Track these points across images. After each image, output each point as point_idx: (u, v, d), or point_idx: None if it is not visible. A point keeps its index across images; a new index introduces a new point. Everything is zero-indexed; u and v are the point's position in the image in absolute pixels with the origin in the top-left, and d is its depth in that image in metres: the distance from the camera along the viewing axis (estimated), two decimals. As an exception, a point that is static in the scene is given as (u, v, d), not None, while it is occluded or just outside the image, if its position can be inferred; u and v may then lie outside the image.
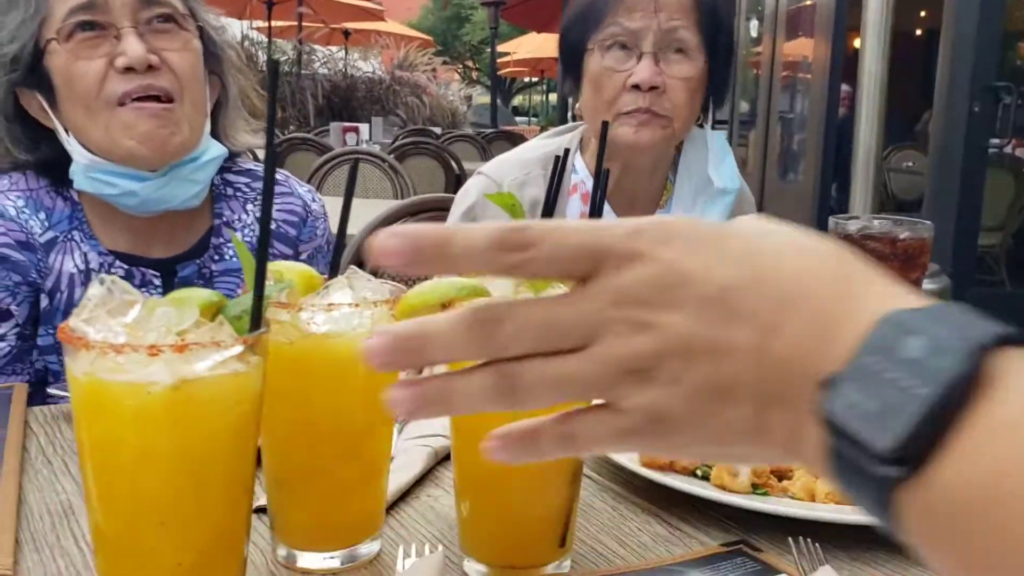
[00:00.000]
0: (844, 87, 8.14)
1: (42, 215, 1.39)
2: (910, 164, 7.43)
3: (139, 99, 1.31)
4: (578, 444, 0.49)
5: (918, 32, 10.26)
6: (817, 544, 0.79)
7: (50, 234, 1.39)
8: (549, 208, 0.85)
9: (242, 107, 1.54)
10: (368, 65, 14.52)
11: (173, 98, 1.34)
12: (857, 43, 8.46)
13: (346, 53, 14.41)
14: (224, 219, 1.51)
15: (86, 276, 1.39)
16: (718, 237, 0.46)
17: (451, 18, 29.78)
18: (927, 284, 3.32)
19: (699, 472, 0.97)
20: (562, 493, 0.79)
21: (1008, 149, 5.89)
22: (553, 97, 26.19)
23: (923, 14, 10.00)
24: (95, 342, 0.62)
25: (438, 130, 9.76)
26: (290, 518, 0.82)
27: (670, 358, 0.44)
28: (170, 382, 0.62)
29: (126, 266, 1.42)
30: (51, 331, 1.40)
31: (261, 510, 0.86)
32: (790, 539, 0.80)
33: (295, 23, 12.99)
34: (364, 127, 8.21)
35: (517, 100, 32.57)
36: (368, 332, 0.78)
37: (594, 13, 1.69)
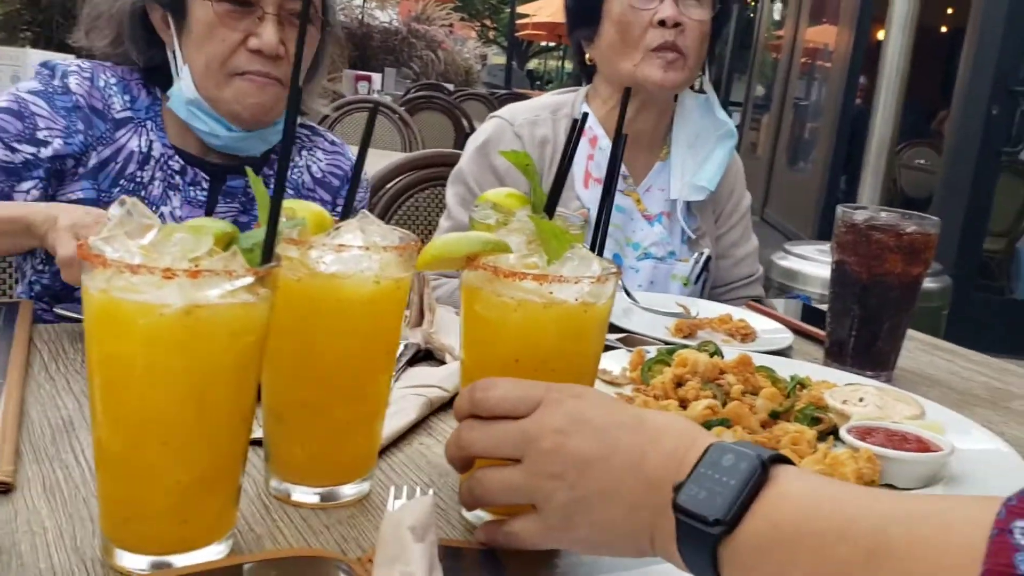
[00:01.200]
0: (864, 78, 8.09)
1: (127, 97, 1.55)
2: (922, 162, 7.41)
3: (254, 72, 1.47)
4: (517, 541, 0.73)
5: (942, 29, 10.18)
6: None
7: (127, 113, 1.54)
8: (566, 165, 0.86)
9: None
10: (385, 15, 14.39)
11: (285, 84, 1.50)
12: (879, 35, 8.38)
13: (364, 1, 14.27)
14: (276, 155, 1.64)
15: (145, 159, 1.54)
16: (611, 401, 0.73)
17: (473, -26, 29.43)
18: (929, 283, 3.35)
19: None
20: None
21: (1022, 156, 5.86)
22: (569, 64, 26.01)
23: (949, 11, 9.91)
24: (112, 261, 0.64)
25: (451, 87, 9.70)
26: (285, 452, 0.84)
27: (572, 468, 0.67)
28: (181, 305, 0.64)
29: (182, 162, 1.56)
30: (86, 188, 1.50)
31: (256, 443, 0.88)
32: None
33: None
34: (377, 77, 8.16)
35: (532, 64, 32.30)
36: (376, 276, 0.79)
37: None
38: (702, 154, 1.92)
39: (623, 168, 1.89)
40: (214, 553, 0.72)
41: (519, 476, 0.70)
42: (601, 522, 0.66)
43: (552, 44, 28.23)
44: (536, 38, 25.86)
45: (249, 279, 0.66)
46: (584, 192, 1.86)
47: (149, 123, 1.55)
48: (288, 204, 0.82)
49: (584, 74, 1.99)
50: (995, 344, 2.36)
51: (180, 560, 0.70)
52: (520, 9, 18.92)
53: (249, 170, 0.81)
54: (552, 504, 0.68)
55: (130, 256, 0.65)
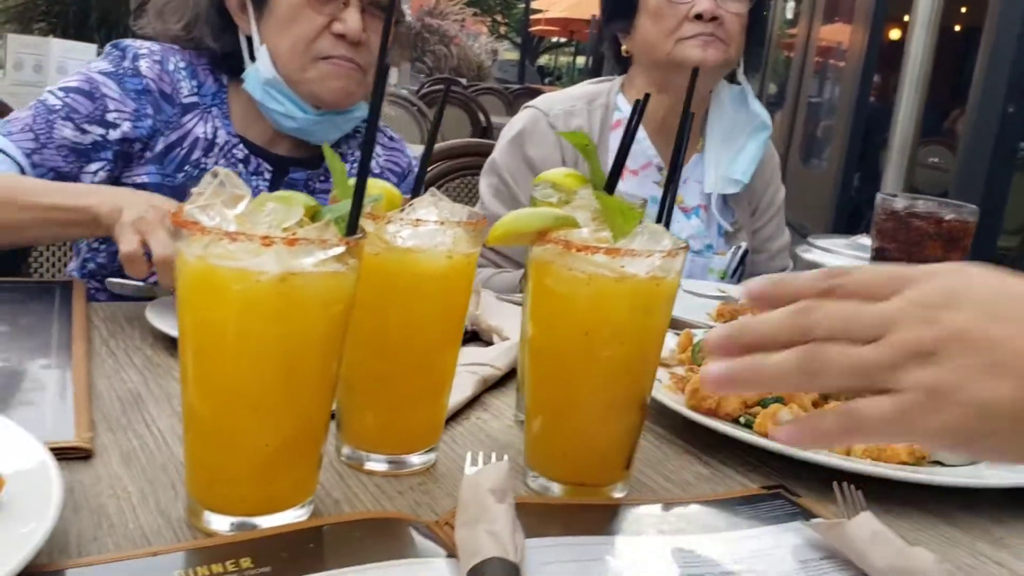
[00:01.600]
0: (878, 76, 8.07)
1: (194, 82, 1.57)
2: (936, 160, 7.40)
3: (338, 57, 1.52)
4: (861, 427, 0.59)
5: (956, 28, 10.16)
6: (859, 491, 0.83)
7: (194, 99, 1.56)
8: (627, 142, 0.88)
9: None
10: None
11: (364, 71, 1.54)
12: (893, 34, 8.35)
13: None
14: (340, 151, 1.69)
15: (209, 145, 1.56)
16: (993, 276, 0.61)
17: (485, -30, 29.39)
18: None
19: (742, 419, 1.00)
20: (631, 418, 0.83)
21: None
22: (580, 60, 25.98)
23: (964, 10, 9.89)
24: (212, 228, 0.66)
25: (464, 81, 9.71)
26: (358, 421, 0.86)
27: (950, 343, 0.57)
28: (277, 272, 0.66)
29: (246, 151, 1.59)
30: (151, 172, 1.52)
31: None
32: (834, 483, 0.84)
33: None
34: (393, 71, 8.17)
35: (543, 59, 32.28)
36: (448, 251, 0.81)
37: None
38: (736, 146, 1.92)
39: (658, 160, 1.90)
40: (297, 515, 0.74)
41: (876, 352, 0.58)
42: (980, 403, 0.56)
43: (563, 40, 28.20)
44: (548, 34, 25.83)
45: (341, 248, 0.68)
46: (620, 184, 1.87)
47: (215, 110, 1.57)
48: (362, 181, 0.84)
49: (619, 65, 1.99)
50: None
51: (265, 521, 0.72)
52: (533, 4, 18.92)
53: (325, 145, 0.83)
54: (914, 381, 0.57)
55: (226, 224, 0.67)
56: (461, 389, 1.05)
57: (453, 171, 2.49)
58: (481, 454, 0.81)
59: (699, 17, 1.76)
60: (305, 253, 0.67)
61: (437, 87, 7.03)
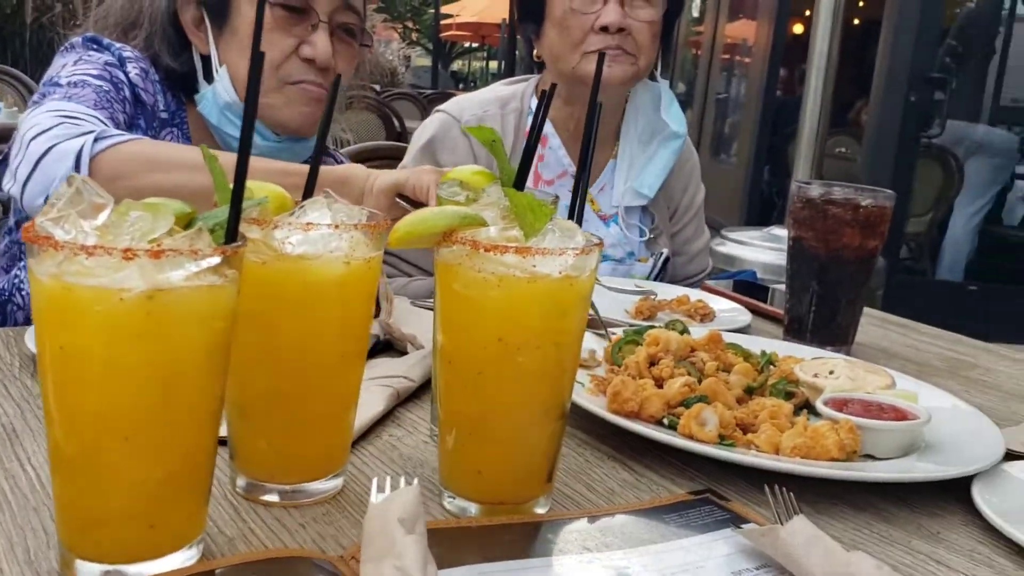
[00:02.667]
0: (783, 71, 8.24)
1: (162, 101, 1.49)
2: (843, 150, 7.58)
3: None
4: None
5: (857, 21, 10.45)
6: (791, 493, 0.79)
7: (165, 115, 1.49)
8: (534, 139, 0.83)
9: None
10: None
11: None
12: (796, 29, 8.53)
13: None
14: None
15: None
16: None
17: (393, -24, 29.21)
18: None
19: (666, 421, 0.96)
20: (551, 426, 0.77)
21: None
22: (493, 65, 26.01)
23: (862, 4, 10.17)
24: (64, 243, 0.58)
25: (377, 87, 9.59)
26: (251, 449, 0.79)
27: None
28: (143, 289, 0.58)
29: None
30: None
31: (220, 442, 0.83)
32: (766, 487, 0.80)
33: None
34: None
35: (456, 65, 32.21)
36: (346, 256, 0.74)
37: None
38: (648, 154, 1.85)
39: (574, 169, 1.83)
40: (184, 559, 0.67)
41: None
42: None
43: (476, 45, 28.19)
44: (460, 39, 25.77)
45: (216, 259, 0.61)
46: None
47: (175, 129, 1.49)
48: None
49: (535, 66, 1.92)
50: (921, 323, 2.39)
51: (147, 568, 0.65)
52: (443, 9, 18.84)
53: (203, 147, 0.76)
54: None
55: (83, 237, 0.60)
56: (371, 405, 0.98)
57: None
58: (388, 479, 0.74)
59: (605, 29, 1.68)
60: (174, 266, 0.59)
61: (350, 93, 6.91)
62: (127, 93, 1.41)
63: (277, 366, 0.76)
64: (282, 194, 0.79)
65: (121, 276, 0.58)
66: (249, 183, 0.78)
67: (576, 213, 0.81)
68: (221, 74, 1.43)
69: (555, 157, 1.83)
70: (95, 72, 1.38)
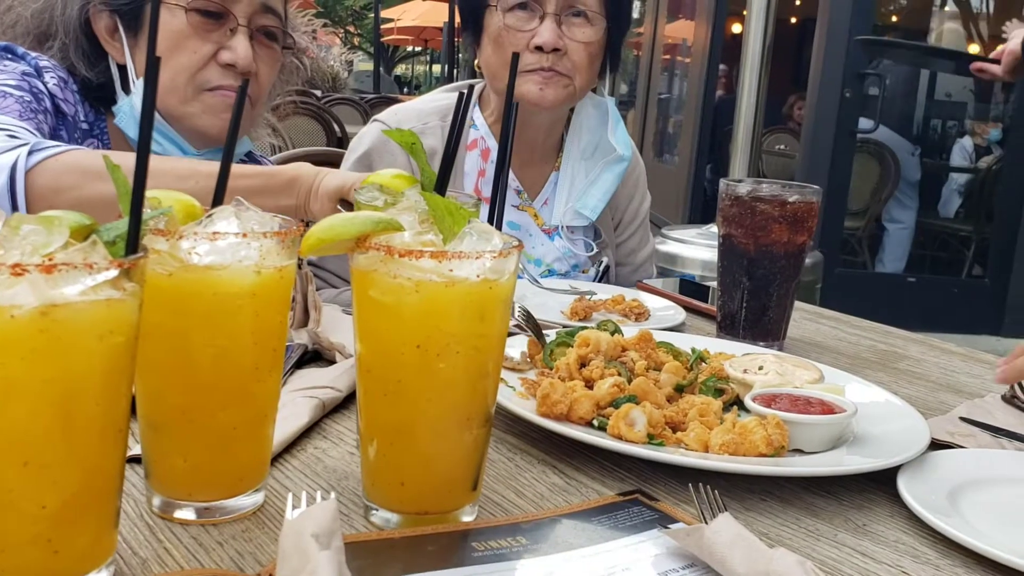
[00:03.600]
0: (721, 66, 8.35)
1: (82, 111, 1.45)
2: (782, 147, 7.70)
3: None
4: None
5: (795, 19, 10.62)
6: (716, 491, 0.79)
7: (85, 126, 1.45)
8: (455, 141, 0.82)
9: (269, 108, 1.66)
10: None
11: (253, 103, 1.46)
12: (734, 28, 8.65)
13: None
14: None
15: None
16: None
17: (333, -19, 29.02)
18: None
19: (596, 423, 0.95)
20: (475, 433, 0.76)
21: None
22: (437, 68, 25.95)
23: (798, 2, 10.35)
24: (-53, 259, 0.55)
25: (318, 93, 9.50)
26: (166, 466, 0.76)
27: None
28: (36, 305, 0.56)
29: None
30: None
31: (135, 460, 0.80)
32: (691, 486, 0.80)
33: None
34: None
35: (400, 69, 32.08)
36: (256, 265, 0.72)
37: None
38: (592, 174, 1.82)
39: (516, 183, 1.81)
40: (92, 584, 0.64)
41: None
42: None
43: (418, 49, 28.11)
44: (402, 43, 25.69)
45: (113, 272, 0.59)
46: None
47: (95, 141, 1.44)
48: (152, 194, 0.75)
49: (480, 73, 1.88)
50: (861, 315, 2.42)
51: (52, 596, 0.62)
52: (384, 14, 18.75)
53: (106, 157, 0.73)
54: None
55: (-31, 253, 0.57)
56: (296, 417, 0.96)
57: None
58: (304, 494, 0.72)
59: (540, 48, 1.64)
60: (68, 281, 0.57)
61: (289, 99, 6.83)
62: (48, 104, 1.37)
63: (189, 380, 0.74)
64: (191, 203, 0.77)
65: (11, 293, 0.55)
66: (158, 192, 0.76)
67: (496, 217, 0.80)
68: (138, 85, 1.40)
69: (494, 173, 1.79)
70: (14, 83, 1.33)
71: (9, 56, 1.39)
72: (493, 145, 1.78)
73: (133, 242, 0.62)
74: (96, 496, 0.64)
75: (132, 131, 1.41)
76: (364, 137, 1.78)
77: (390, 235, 0.74)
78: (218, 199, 0.77)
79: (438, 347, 0.73)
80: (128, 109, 1.41)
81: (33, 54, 1.40)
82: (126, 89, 1.42)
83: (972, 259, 6.55)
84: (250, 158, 1.68)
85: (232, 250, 0.71)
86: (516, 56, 0.80)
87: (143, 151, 0.64)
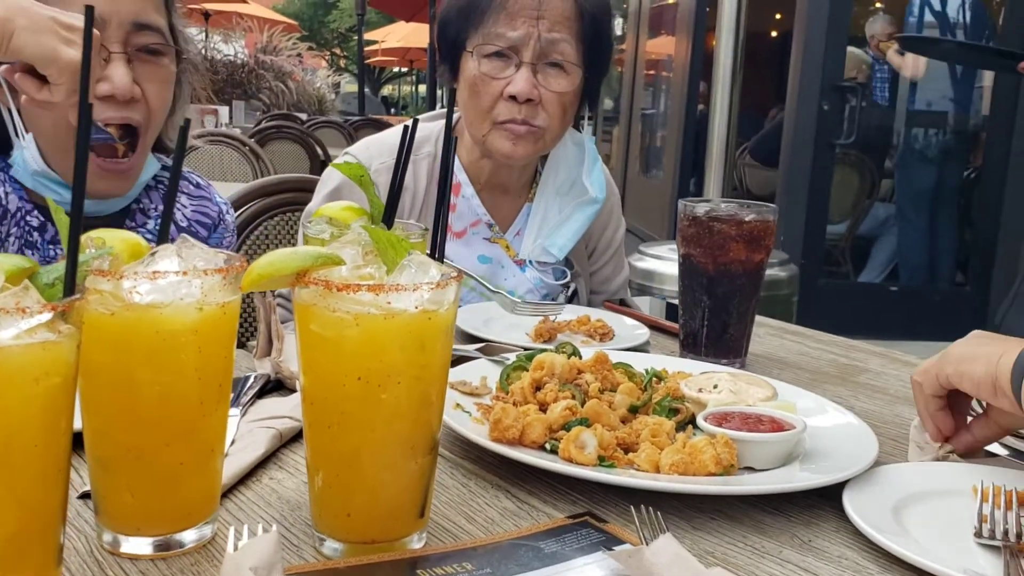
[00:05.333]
0: (703, 84, 8.38)
1: None
2: (763, 160, 7.74)
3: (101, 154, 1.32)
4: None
5: (772, 33, 10.70)
6: (658, 512, 0.80)
7: None
8: (402, 168, 0.84)
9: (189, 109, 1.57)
10: (230, 48, 14.08)
11: (138, 132, 1.34)
12: (714, 42, 8.71)
13: (206, 36, 13.91)
14: (141, 206, 1.50)
15: (1, 215, 1.37)
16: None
17: (318, 3, 29.16)
18: (779, 271, 3.44)
19: (548, 446, 0.96)
20: (419, 462, 0.77)
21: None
22: (423, 88, 26.04)
23: (777, 16, 10.42)
24: None
25: (304, 116, 9.54)
26: (114, 502, 0.77)
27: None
28: (-33, 351, 0.57)
29: (41, 218, 1.40)
30: None
31: (86, 495, 0.81)
32: (632, 508, 0.81)
33: (151, 1, 12.41)
34: (223, 110, 7.95)
35: (386, 90, 32.20)
36: (199, 302, 0.74)
37: (475, 13, 1.65)
38: (564, 213, 1.81)
39: (487, 217, 1.81)
40: (35, 622, 0.65)
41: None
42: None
43: (404, 69, 28.22)
44: (388, 64, 25.79)
45: (46, 315, 0.60)
46: (448, 246, 1.76)
47: (1, 174, 1.38)
48: (97, 234, 0.76)
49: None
50: (844, 326, 2.46)
51: (-5, 635, 0.63)
52: (368, 36, 18.84)
53: (50, 200, 0.75)
54: None
55: (-98, 301, 0.58)
56: (254, 447, 0.97)
57: (275, 207, 2.39)
58: (246, 527, 0.73)
59: (514, 98, 1.62)
60: (1, 325, 0.58)
61: (273, 124, 6.86)
62: None
63: (135, 418, 0.75)
64: (136, 241, 0.78)
65: (-57, 339, 0.57)
66: (102, 232, 0.78)
67: (438, 247, 0.82)
68: (28, 140, 1.32)
69: (468, 206, 1.79)
70: None
71: None
72: (464, 179, 1.79)
73: (70, 284, 0.64)
74: (37, 535, 0.64)
75: (29, 183, 1.36)
76: (334, 174, 1.77)
77: (328, 270, 0.75)
78: (162, 237, 0.78)
79: (380, 379, 0.74)
80: (21, 163, 1.35)
81: None
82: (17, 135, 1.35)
83: (954, 268, 6.59)
84: (168, 170, 1.57)
85: (173, 288, 0.73)
86: (452, 141, 0.81)
87: (78, 194, 0.65)
